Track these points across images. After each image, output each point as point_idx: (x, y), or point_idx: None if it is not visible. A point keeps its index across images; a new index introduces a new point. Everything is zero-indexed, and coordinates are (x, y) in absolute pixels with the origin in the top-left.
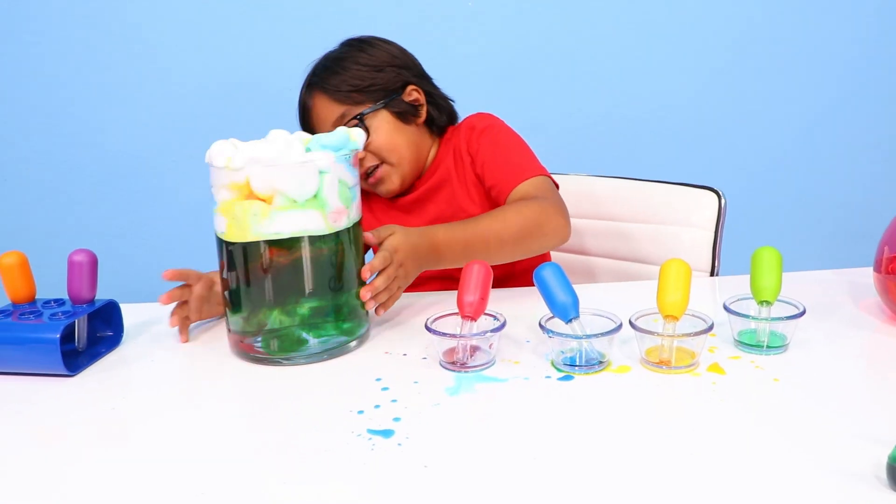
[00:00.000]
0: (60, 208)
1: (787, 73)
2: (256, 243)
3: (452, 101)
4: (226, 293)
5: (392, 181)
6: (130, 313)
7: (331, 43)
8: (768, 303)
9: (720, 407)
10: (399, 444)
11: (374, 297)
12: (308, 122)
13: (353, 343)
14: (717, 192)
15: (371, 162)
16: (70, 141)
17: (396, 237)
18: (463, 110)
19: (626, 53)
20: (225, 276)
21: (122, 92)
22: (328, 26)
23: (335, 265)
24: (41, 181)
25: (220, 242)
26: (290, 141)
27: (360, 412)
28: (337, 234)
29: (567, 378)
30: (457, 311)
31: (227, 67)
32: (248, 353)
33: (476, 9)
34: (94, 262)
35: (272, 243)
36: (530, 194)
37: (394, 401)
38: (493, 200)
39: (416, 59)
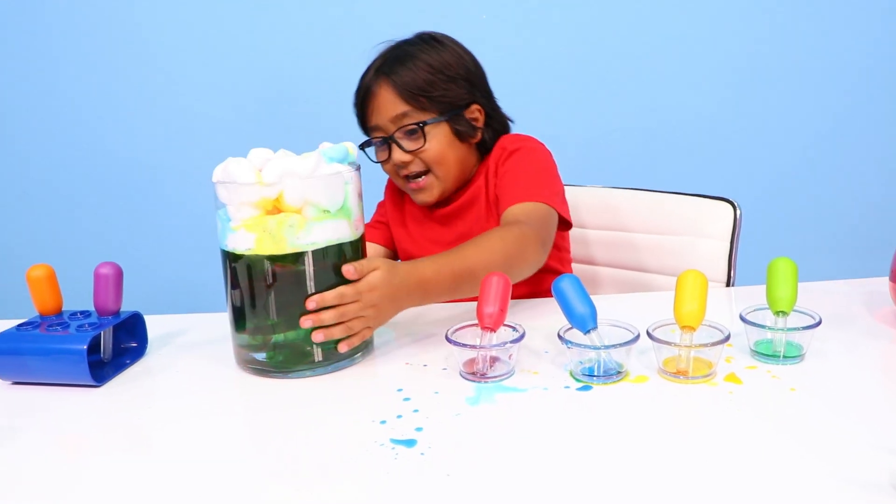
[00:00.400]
0: (86, 222)
1: (801, 84)
2: (295, 255)
3: (512, 121)
4: (237, 308)
5: (432, 192)
6: (154, 325)
7: (344, 56)
8: (784, 313)
9: (737, 416)
10: (422, 454)
11: (323, 331)
12: (366, 107)
13: (359, 355)
14: (732, 204)
15: (417, 168)
16: (96, 155)
17: (376, 276)
18: None
19: (641, 64)
20: (243, 290)
21: (150, 107)
22: (339, 38)
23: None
24: (68, 196)
25: (237, 258)
26: (315, 155)
27: (383, 422)
28: (359, 240)
29: (585, 388)
30: (476, 322)
31: (253, 84)
32: (252, 366)
33: (489, 21)
34: (119, 275)
35: (312, 254)
36: (517, 217)
37: (415, 411)
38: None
39: (484, 74)
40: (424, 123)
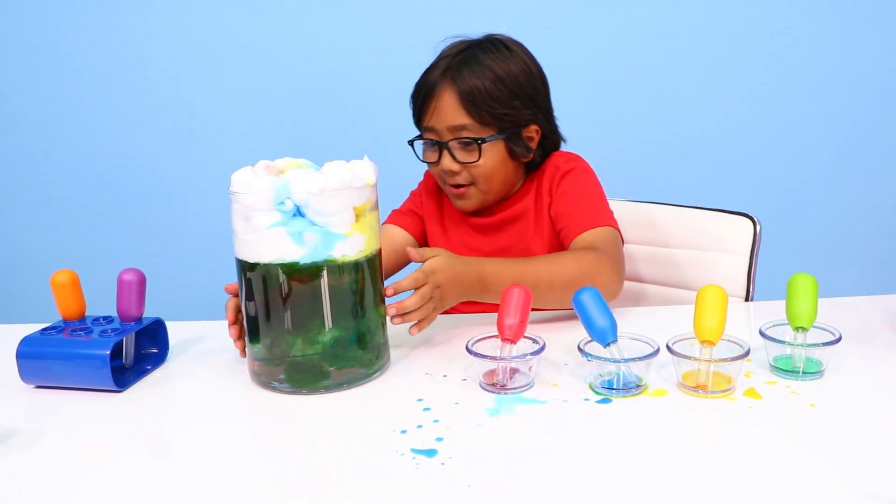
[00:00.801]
0: (110, 228)
1: (822, 98)
2: (315, 267)
3: (565, 140)
4: (253, 322)
5: (472, 203)
6: (175, 331)
7: (363, 63)
8: (804, 329)
9: (756, 432)
10: (442, 464)
11: (402, 315)
12: (425, 106)
13: (377, 371)
14: (752, 219)
15: (464, 180)
16: (121, 162)
17: (439, 259)
18: None
19: (659, 78)
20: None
21: (174, 113)
22: (355, 52)
23: (374, 281)
24: (93, 202)
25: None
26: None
27: (403, 432)
28: (377, 254)
29: (605, 401)
30: (496, 333)
31: (274, 90)
32: (269, 383)
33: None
34: (142, 281)
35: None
36: (593, 244)
37: (436, 421)
38: (560, 244)
39: (548, 89)
40: (483, 140)
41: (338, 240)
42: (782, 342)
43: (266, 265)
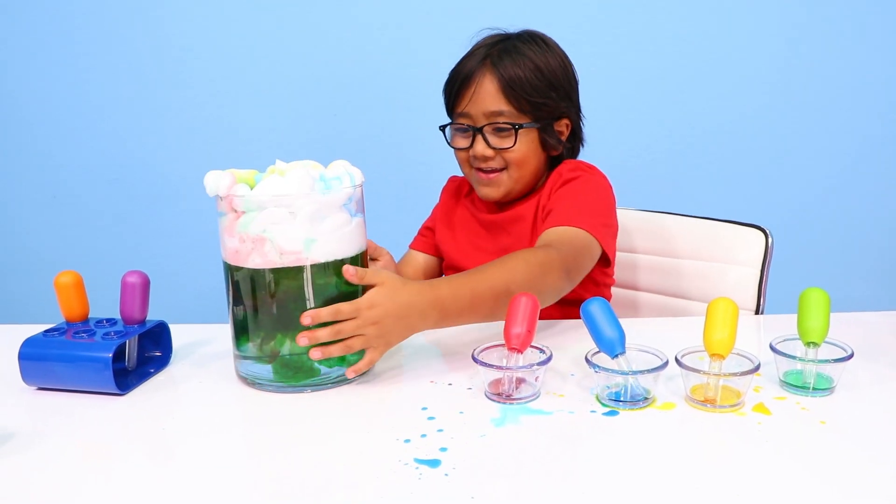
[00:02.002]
0: (115, 230)
1: (836, 110)
2: (298, 268)
3: (585, 140)
4: (258, 322)
5: (500, 190)
6: (179, 334)
7: (370, 70)
8: (815, 344)
9: (765, 448)
10: (446, 475)
11: (320, 349)
12: (462, 92)
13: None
14: (764, 231)
15: (496, 165)
16: (126, 163)
17: (379, 292)
18: None
19: (674, 88)
20: (267, 304)
21: (180, 115)
22: (363, 51)
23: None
24: (97, 204)
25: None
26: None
27: (407, 440)
28: (362, 254)
29: (612, 413)
30: (503, 342)
31: (284, 92)
32: (255, 381)
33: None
34: (146, 284)
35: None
36: (551, 241)
37: (440, 430)
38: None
39: (578, 85)
40: (520, 126)
41: (328, 240)
42: (793, 357)
43: (253, 269)
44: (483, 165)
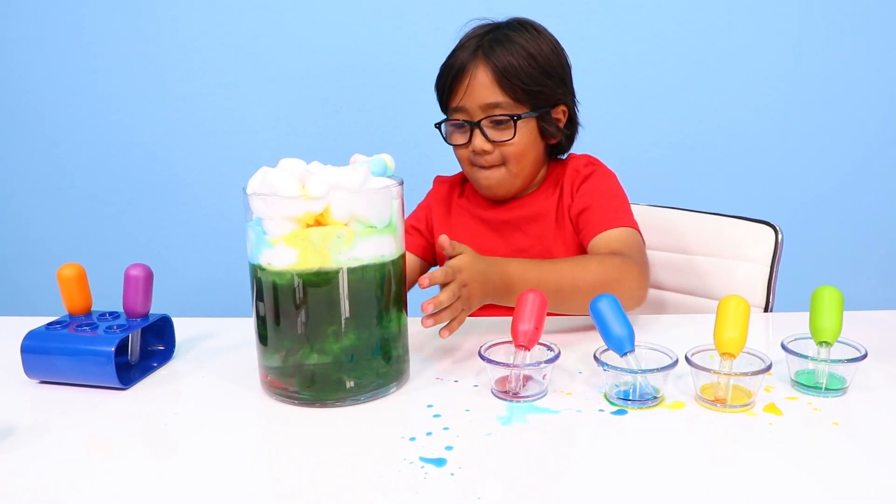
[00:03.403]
0: (118, 222)
1: (848, 105)
2: (338, 271)
3: (582, 125)
4: (269, 330)
5: (501, 185)
6: (182, 328)
7: (375, 64)
8: (828, 344)
9: (777, 449)
10: (452, 474)
11: (434, 316)
12: (455, 86)
13: (393, 386)
14: (774, 227)
15: (495, 160)
16: (131, 156)
17: (464, 258)
18: None
19: (683, 83)
20: (281, 310)
21: (185, 108)
22: (376, 46)
23: (399, 286)
24: (101, 196)
25: (275, 275)
26: (363, 168)
27: (412, 439)
28: (402, 257)
29: (620, 412)
30: (510, 339)
31: (293, 85)
32: (283, 394)
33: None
34: (149, 277)
35: (353, 269)
36: (615, 247)
37: (445, 428)
38: (580, 246)
39: (571, 70)
40: (518, 117)
41: (366, 243)
42: (805, 357)
43: (285, 271)
44: (481, 161)
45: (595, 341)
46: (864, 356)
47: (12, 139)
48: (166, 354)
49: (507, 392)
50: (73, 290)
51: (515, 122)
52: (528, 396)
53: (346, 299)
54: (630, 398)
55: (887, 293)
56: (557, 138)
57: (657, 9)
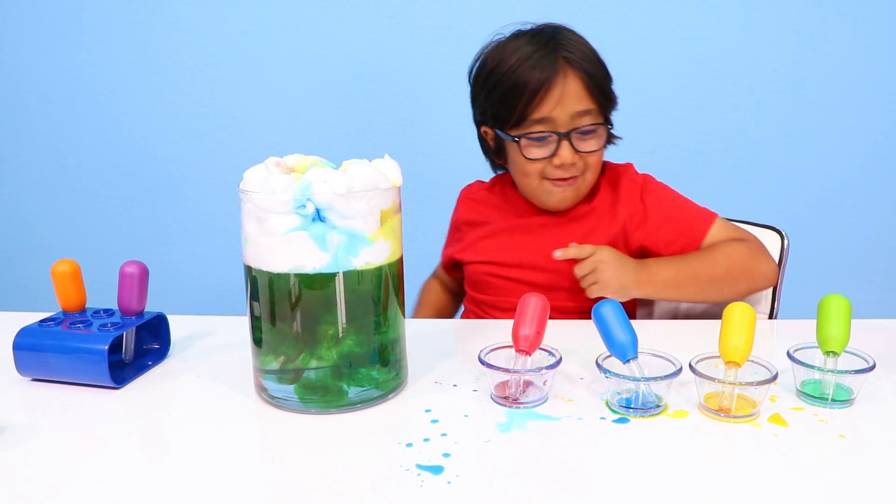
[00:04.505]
0: (114, 219)
1: (854, 110)
2: (343, 274)
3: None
4: (267, 335)
5: (574, 197)
6: (177, 326)
7: (378, 64)
8: (835, 353)
9: (782, 462)
10: (449, 482)
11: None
12: (542, 94)
13: (392, 395)
14: (780, 232)
15: (577, 171)
16: (126, 152)
17: (604, 247)
18: None
19: (688, 86)
20: (278, 314)
21: (184, 101)
22: (372, 45)
23: (397, 289)
24: (97, 192)
25: (273, 277)
26: (361, 170)
27: (409, 444)
28: (400, 260)
29: (622, 420)
30: (510, 343)
31: (290, 82)
32: (278, 402)
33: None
34: (144, 275)
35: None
36: (726, 238)
37: (443, 434)
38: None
39: None
40: (608, 124)
41: (364, 245)
42: (812, 367)
43: (283, 274)
44: (564, 174)
45: (597, 346)
46: (873, 367)
47: (8, 134)
48: (161, 353)
49: (506, 398)
50: (67, 287)
51: (608, 129)
52: (528, 402)
53: (344, 303)
54: (632, 406)
55: (893, 300)
56: (615, 143)
57: (661, 10)
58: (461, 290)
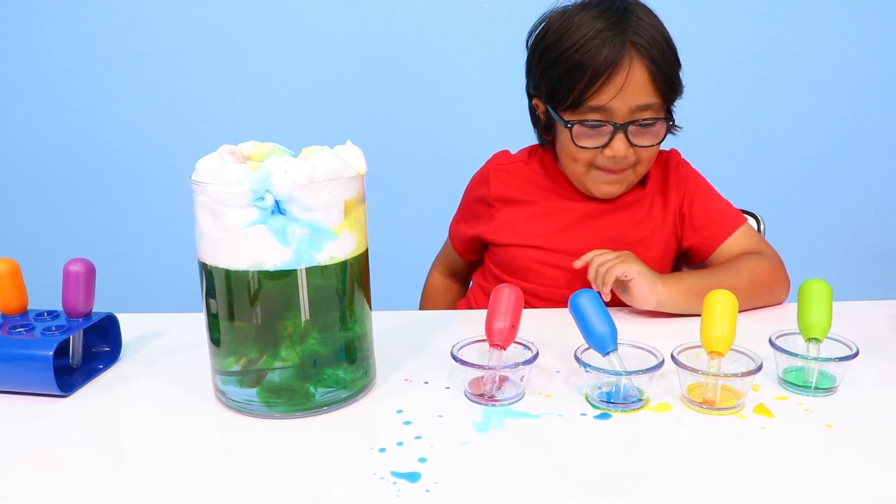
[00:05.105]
0: (56, 214)
1: (827, 95)
2: (304, 270)
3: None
4: (223, 335)
5: (621, 186)
6: (128, 325)
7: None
8: (817, 340)
9: (771, 456)
10: (427, 490)
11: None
12: (603, 82)
13: (360, 395)
14: (756, 217)
15: (628, 164)
16: (67, 143)
17: (632, 260)
18: (498, 130)
19: None
20: (236, 313)
21: (121, 92)
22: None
23: (363, 283)
24: (37, 186)
25: (231, 274)
26: (324, 158)
27: (382, 450)
28: (365, 253)
29: (604, 416)
30: (483, 337)
31: (231, 72)
32: (238, 406)
33: (491, 10)
34: (91, 273)
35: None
36: (747, 246)
37: (418, 437)
38: (697, 245)
39: None
40: (669, 119)
41: (328, 239)
42: (796, 355)
43: (242, 271)
44: (615, 166)
45: (572, 337)
46: (856, 354)
47: None
48: (112, 356)
49: (482, 395)
50: (5, 288)
51: (669, 124)
52: (504, 400)
53: (307, 301)
54: (613, 401)
55: (862, 283)
56: (674, 133)
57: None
58: (470, 276)
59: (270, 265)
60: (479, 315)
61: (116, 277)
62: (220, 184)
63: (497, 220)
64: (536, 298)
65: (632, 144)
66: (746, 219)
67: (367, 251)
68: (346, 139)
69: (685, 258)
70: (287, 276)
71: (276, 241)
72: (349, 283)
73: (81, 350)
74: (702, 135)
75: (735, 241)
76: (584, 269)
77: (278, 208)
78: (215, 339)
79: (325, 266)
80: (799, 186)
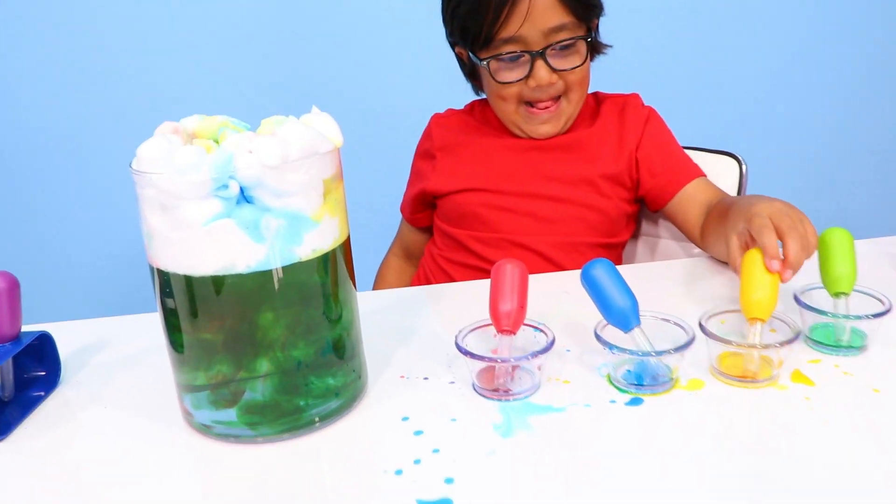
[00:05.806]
0: None
1: (808, 36)
2: (280, 268)
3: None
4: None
5: (559, 120)
6: (66, 337)
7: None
8: (845, 294)
9: (825, 430)
10: None
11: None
12: (507, 12)
13: (356, 403)
14: (736, 158)
15: (557, 91)
16: None
17: (762, 208)
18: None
19: (641, 20)
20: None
21: (65, 54)
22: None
23: (347, 274)
24: None
25: (193, 279)
26: (294, 132)
27: (399, 472)
28: (348, 240)
29: (636, 402)
30: (484, 321)
31: (163, 27)
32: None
33: None
34: (15, 288)
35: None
36: (712, 195)
37: (435, 451)
38: (654, 192)
39: None
40: (588, 38)
41: (307, 228)
42: (825, 313)
43: (207, 276)
44: (543, 96)
45: (571, 306)
46: (890, 309)
47: None
48: (51, 380)
49: (495, 390)
50: None
51: (588, 42)
52: (520, 393)
53: (288, 303)
54: (642, 382)
55: (859, 222)
56: (603, 53)
57: None
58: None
59: (243, 267)
60: (454, 289)
61: (45, 284)
62: (170, 172)
63: (438, 169)
64: (488, 247)
65: (554, 70)
66: (704, 174)
67: (349, 236)
68: (311, 106)
69: (642, 206)
70: (263, 277)
71: (247, 238)
72: (335, 275)
73: (13, 379)
74: (682, 75)
75: (693, 190)
76: (535, 211)
77: (244, 196)
78: (177, 347)
79: (307, 261)
80: (783, 125)
